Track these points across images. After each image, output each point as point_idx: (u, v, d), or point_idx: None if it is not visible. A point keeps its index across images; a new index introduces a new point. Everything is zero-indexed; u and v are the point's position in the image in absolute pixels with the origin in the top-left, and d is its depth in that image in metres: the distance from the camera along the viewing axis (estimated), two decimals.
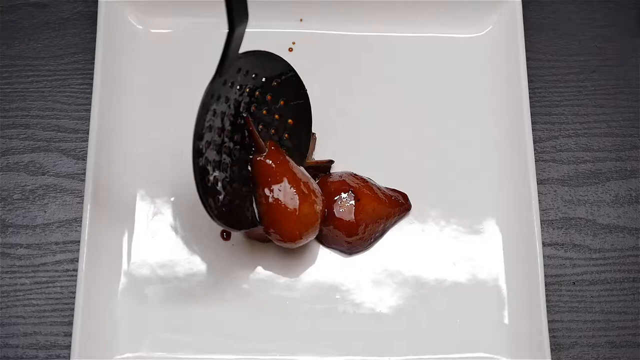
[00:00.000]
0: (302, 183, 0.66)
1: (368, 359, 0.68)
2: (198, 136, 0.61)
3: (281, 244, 0.66)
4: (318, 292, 0.69)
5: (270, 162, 0.65)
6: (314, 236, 0.68)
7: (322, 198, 0.67)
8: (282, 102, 0.67)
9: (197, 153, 0.61)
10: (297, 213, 0.65)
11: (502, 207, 0.72)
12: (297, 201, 0.65)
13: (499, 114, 0.73)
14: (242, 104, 0.65)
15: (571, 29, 0.78)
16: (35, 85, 0.75)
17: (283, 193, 0.65)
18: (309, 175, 0.68)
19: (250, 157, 0.66)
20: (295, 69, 0.67)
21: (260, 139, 0.65)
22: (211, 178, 0.62)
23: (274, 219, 0.65)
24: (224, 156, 0.64)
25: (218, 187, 0.63)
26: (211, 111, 0.62)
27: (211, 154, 0.62)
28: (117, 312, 0.68)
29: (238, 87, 0.64)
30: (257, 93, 0.66)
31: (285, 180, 0.65)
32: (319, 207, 0.67)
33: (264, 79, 0.66)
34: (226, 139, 0.64)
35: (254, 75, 0.65)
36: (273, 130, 0.67)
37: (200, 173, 0.61)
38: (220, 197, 0.63)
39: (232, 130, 0.64)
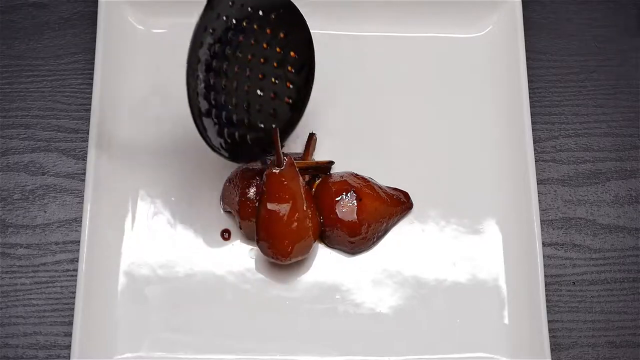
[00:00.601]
0: (305, 204, 0.66)
1: (368, 359, 0.68)
2: (192, 69, 0.60)
3: (271, 257, 0.67)
4: (318, 292, 0.69)
5: (284, 179, 0.65)
6: (306, 256, 0.68)
7: (318, 219, 0.68)
8: (282, 35, 0.66)
9: (192, 89, 0.61)
10: (293, 231, 0.66)
11: (502, 207, 0.72)
12: (297, 223, 0.65)
13: (499, 114, 0.73)
14: (240, 37, 0.64)
15: (571, 29, 0.78)
16: (35, 85, 0.75)
17: (286, 212, 0.65)
18: (311, 194, 0.68)
19: (260, 94, 0.66)
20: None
21: (282, 155, 0.65)
22: (208, 107, 0.63)
23: (272, 232, 0.65)
24: (222, 87, 0.63)
25: (214, 115, 0.63)
26: (206, 45, 0.61)
27: (205, 87, 0.62)
28: (117, 312, 0.68)
29: (234, 21, 0.63)
30: (255, 26, 0.64)
31: (292, 202, 0.65)
32: (313, 228, 0.67)
33: (260, 12, 0.64)
34: (224, 68, 0.63)
35: (249, 9, 0.64)
36: (275, 64, 0.66)
37: (198, 110, 0.61)
38: (217, 128, 0.63)
39: (230, 63, 0.64)
